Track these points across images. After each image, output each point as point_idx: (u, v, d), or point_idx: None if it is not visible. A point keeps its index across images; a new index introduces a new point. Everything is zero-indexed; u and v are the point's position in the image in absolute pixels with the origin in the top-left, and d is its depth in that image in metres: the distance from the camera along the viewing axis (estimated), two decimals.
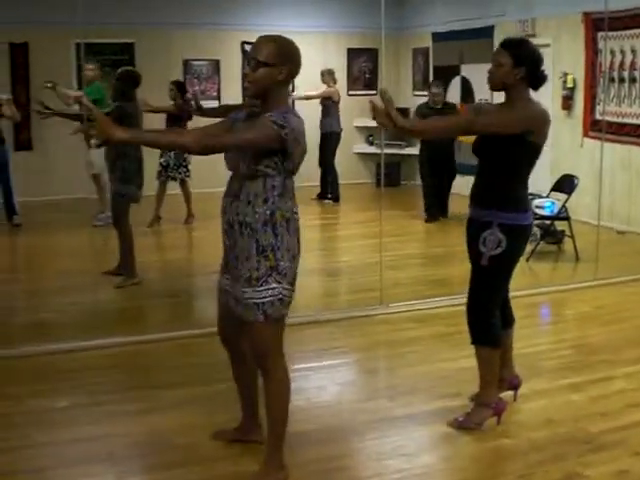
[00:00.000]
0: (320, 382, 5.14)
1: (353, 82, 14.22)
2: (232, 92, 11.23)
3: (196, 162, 10.30)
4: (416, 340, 5.90)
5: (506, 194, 4.19)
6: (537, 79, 4.20)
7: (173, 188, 10.37)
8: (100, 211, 9.70)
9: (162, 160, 10.10)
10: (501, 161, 4.17)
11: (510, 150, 4.11)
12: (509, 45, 4.20)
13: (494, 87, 4.23)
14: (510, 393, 4.61)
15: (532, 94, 4.25)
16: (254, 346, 3.72)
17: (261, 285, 3.56)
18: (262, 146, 3.49)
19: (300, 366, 5.32)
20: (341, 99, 12.46)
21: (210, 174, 10.06)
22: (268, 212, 3.55)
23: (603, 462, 3.98)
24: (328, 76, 12.23)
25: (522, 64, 4.13)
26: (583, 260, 8.04)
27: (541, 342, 5.33)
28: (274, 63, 3.55)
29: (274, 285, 3.56)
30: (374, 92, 13.81)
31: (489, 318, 4.32)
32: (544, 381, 4.87)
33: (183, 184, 10.38)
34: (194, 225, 10.34)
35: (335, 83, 12.31)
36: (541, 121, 4.18)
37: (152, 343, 5.80)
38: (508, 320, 4.53)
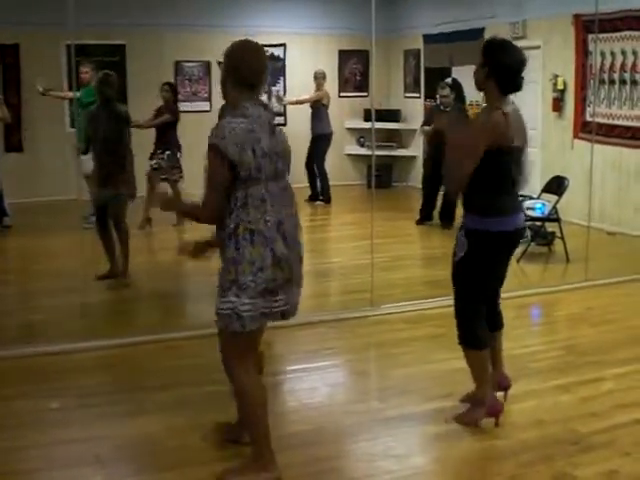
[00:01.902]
0: (312, 383, 5.14)
1: (344, 84, 14.24)
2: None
3: (187, 164, 10.32)
4: (407, 341, 5.90)
5: (472, 199, 4.24)
6: (505, 83, 4.16)
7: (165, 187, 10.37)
8: (91, 213, 9.68)
9: (153, 162, 10.07)
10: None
11: (488, 155, 4.14)
12: (483, 45, 4.28)
13: (476, 86, 4.30)
14: (500, 394, 4.60)
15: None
16: (220, 351, 3.80)
17: (223, 297, 3.61)
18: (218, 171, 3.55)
19: (292, 367, 5.34)
20: (332, 101, 12.47)
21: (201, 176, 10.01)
22: (232, 225, 3.56)
23: (592, 462, 3.99)
24: (320, 78, 12.23)
25: (485, 65, 4.18)
26: (573, 261, 8.06)
27: (531, 343, 5.34)
28: (224, 68, 3.73)
29: (232, 299, 3.56)
30: (365, 94, 13.87)
31: (469, 321, 4.35)
32: (534, 382, 4.88)
33: (175, 185, 10.37)
34: (184, 227, 10.32)
35: (323, 85, 12.32)
36: (496, 132, 4.10)
37: (141, 345, 5.79)
38: (496, 323, 4.54)
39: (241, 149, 3.49)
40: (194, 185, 10.47)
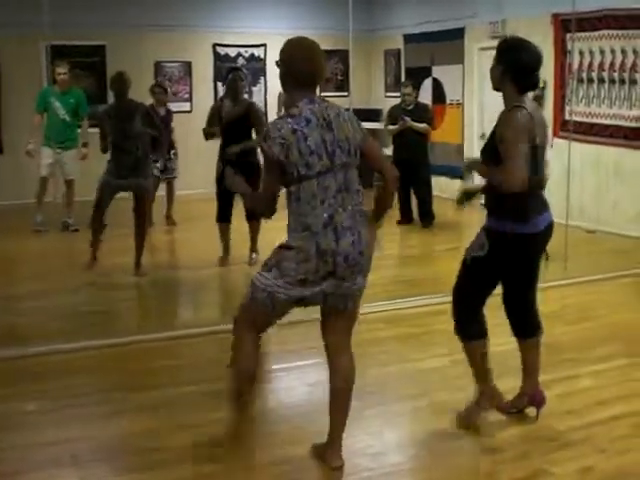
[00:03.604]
0: (291, 383, 5.15)
1: (325, 84, 14.22)
2: (204, 94, 11.27)
3: (182, 165, 10.39)
4: (385, 340, 5.93)
5: (497, 200, 4.17)
6: (521, 81, 4.12)
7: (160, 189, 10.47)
8: (68, 217, 9.72)
9: (159, 164, 10.10)
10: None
11: (497, 157, 4.10)
12: (498, 44, 4.25)
13: (492, 86, 4.27)
14: (532, 409, 4.51)
15: None
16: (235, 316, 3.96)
17: (264, 272, 3.76)
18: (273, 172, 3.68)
19: (272, 367, 5.35)
20: None
21: (191, 177, 10.11)
22: (289, 216, 3.74)
23: (569, 459, 4.03)
24: None
25: (500, 63, 4.17)
26: (552, 259, 8.05)
27: (509, 341, 5.31)
28: (280, 68, 3.83)
29: (271, 278, 3.70)
30: (346, 94, 13.85)
31: (460, 313, 4.34)
32: (511, 379, 4.89)
33: (173, 184, 10.42)
34: (176, 227, 10.38)
35: None
36: (526, 128, 4.05)
37: (120, 347, 5.79)
38: (525, 330, 4.49)
39: (287, 149, 3.59)
40: (183, 184, 10.64)
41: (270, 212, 3.85)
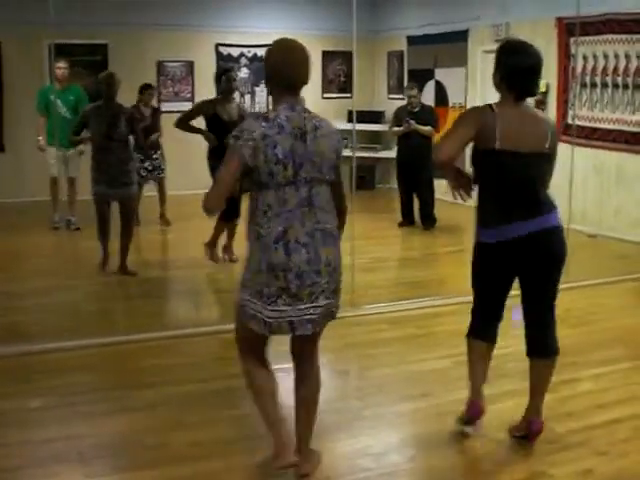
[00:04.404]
0: (291, 383, 5.12)
1: (328, 85, 14.25)
2: (206, 94, 11.14)
3: (169, 164, 10.36)
4: (387, 342, 5.93)
5: (478, 205, 4.14)
6: (512, 86, 3.99)
7: (152, 189, 10.50)
8: (71, 215, 9.71)
9: (147, 164, 10.13)
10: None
11: (474, 160, 4.09)
12: (497, 47, 4.15)
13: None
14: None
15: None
16: None
17: (239, 288, 3.69)
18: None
19: (273, 367, 5.34)
20: (316, 102, 12.44)
21: (191, 177, 10.11)
22: (248, 226, 3.64)
23: (568, 461, 4.04)
24: None
25: (496, 67, 4.07)
26: None
27: (510, 344, 5.32)
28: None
29: (240, 292, 3.65)
30: (349, 95, 13.87)
31: (473, 311, 4.35)
32: (512, 382, 4.91)
33: (163, 184, 10.43)
34: (170, 227, 10.37)
35: None
36: (474, 119, 3.99)
37: (123, 345, 5.80)
38: (535, 348, 4.28)
39: (255, 153, 3.45)
40: (175, 185, 10.63)
41: (218, 207, 3.64)
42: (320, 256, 3.55)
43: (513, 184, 3.98)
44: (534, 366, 4.27)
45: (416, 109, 10.50)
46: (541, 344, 4.25)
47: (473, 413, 4.29)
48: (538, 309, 4.25)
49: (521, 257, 4.07)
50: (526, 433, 4.24)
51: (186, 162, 11.25)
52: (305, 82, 3.68)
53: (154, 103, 10.64)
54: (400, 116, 10.57)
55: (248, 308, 3.60)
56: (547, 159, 4.07)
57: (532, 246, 4.03)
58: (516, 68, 3.98)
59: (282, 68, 3.60)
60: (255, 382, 3.82)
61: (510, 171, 3.97)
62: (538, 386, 4.26)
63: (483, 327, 4.32)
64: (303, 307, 3.56)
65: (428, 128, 10.30)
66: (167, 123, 10.53)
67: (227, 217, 7.93)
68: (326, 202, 3.64)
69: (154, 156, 10.19)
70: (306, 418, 3.90)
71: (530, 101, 4.18)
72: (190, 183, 10.87)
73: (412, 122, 10.27)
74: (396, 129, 10.61)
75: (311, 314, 3.59)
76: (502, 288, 4.25)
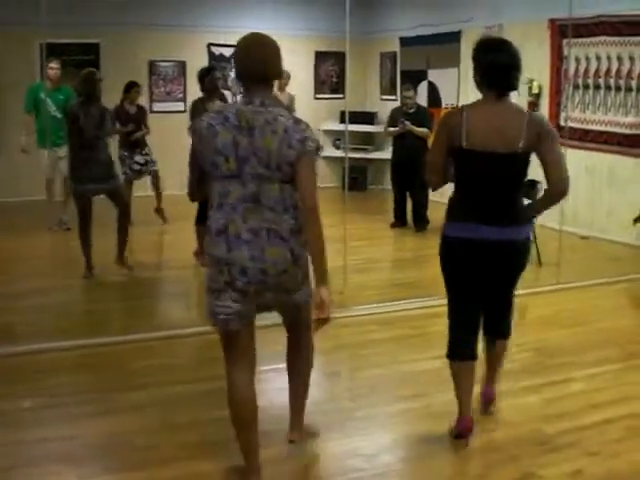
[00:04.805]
0: (282, 384, 5.11)
1: (320, 85, 14.26)
2: (198, 94, 11.16)
3: (162, 164, 10.34)
4: (379, 342, 5.93)
5: (449, 203, 4.18)
6: (491, 83, 4.00)
7: (145, 190, 10.51)
8: (64, 214, 9.68)
9: (139, 158, 10.17)
10: None
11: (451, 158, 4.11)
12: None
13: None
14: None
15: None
16: None
17: None
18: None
19: (263, 368, 5.31)
20: (308, 102, 12.43)
21: (179, 176, 10.06)
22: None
23: (558, 462, 4.04)
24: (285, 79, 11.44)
25: (475, 67, 4.09)
26: (546, 265, 8.10)
27: None
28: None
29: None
30: (341, 96, 13.87)
31: (449, 327, 4.28)
32: (503, 383, 4.90)
33: (158, 178, 10.42)
34: (163, 227, 10.36)
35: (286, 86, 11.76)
36: (448, 125, 4.01)
37: (114, 345, 5.79)
38: (495, 330, 4.42)
39: (199, 142, 3.52)
40: (170, 184, 10.61)
41: (191, 195, 3.85)
42: (265, 255, 3.49)
43: (480, 183, 4.00)
44: (493, 345, 4.47)
45: (412, 110, 10.50)
46: (500, 329, 4.44)
47: (464, 428, 4.25)
48: (498, 305, 4.36)
49: (485, 259, 4.06)
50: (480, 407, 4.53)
51: (180, 161, 11.18)
52: (275, 76, 3.62)
53: (141, 101, 10.56)
54: (395, 117, 10.56)
55: (208, 305, 3.62)
56: (521, 159, 3.98)
57: (498, 254, 4.04)
58: (493, 65, 3.99)
59: (250, 62, 3.55)
60: (232, 402, 3.72)
61: (477, 170, 3.98)
62: (498, 360, 4.53)
63: (464, 345, 4.22)
64: (252, 302, 3.57)
65: (423, 130, 10.30)
66: (159, 122, 10.58)
67: (201, 220, 7.99)
68: (276, 201, 3.52)
69: (142, 152, 10.17)
70: (302, 391, 4.11)
71: (515, 99, 4.17)
72: (185, 183, 10.85)
73: (407, 123, 10.26)
74: (391, 130, 10.61)
75: (260, 305, 3.64)
76: (474, 288, 4.18)
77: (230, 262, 3.47)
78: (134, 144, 10.09)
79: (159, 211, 10.47)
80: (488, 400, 4.59)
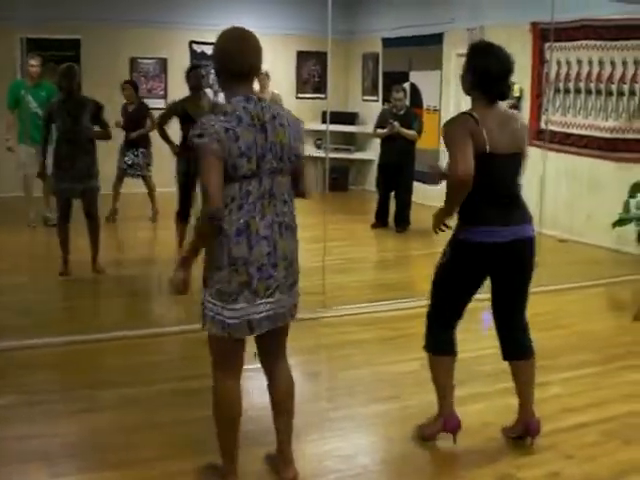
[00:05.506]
0: (261, 384, 5.09)
1: (302, 85, 14.25)
2: (179, 91, 11.13)
3: (156, 162, 10.33)
4: (358, 343, 5.93)
5: (463, 205, 4.04)
6: (487, 89, 3.96)
7: (139, 187, 10.54)
8: (48, 211, 9.63)
9: (127, 159, 10.19)
10: None
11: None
12: (467, 49, 4.12)
13: (464, 91, 4.12)
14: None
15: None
16: None
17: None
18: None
19: (244, 367, 5.33)
20: (290, 102, 12.39)
21: (168, 175, 10.03)
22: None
23: (535, 465, 4.05)
24: (264, 79, 11.33)
25: (467, 71, 4.04)
26: None
27: (479, 347, 5.36)
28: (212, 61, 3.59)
29: (205, 294, 3.55)
30: (323, 96, 13.86)
31: (431, 324, 4.27)
32: (481, 385, 4.92)
33: (150, 181, 10.40)
34: (155, 224, 10.35)
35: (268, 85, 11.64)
36: (464, 128, 3.91)
37: (93, 343, 5.76)
38: (515, 351, 4.29)
39: (222, 147, 3.32)
40: (164, 182, 10.56)
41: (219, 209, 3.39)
42: (277, 249, 3.53)
43: (503, 185, 4.03)
44: (518, 368, 4.29)
45: (401, 112, 10.51)
46: (520, 347, 4.29)
47: (453, 427, 4.24)
48: (513, 314, 4.30)
49: (497, 261, 4.08)
50: (523, 434, 4.25)
51: (173, 159, 11.19)
52: (257, 72, 3.55)
53: (134, 99, 10.51)
54: (384, 118, 10.56)
55: (207, 310, 3.53)
56: (520, 159, 4.13)
57: (510, 253, 4.05)
58: (489, 71, 3.95)
59: (235, 57, 3.45)
60: (219, 407, 3.67)
61: (500, 172, 3.99)
62: (526, 387, 4.26)
63: (445, 339, 4.24)
64: (259, 302, 3.50)
65: (412, 132, 10.31)
66: None
67: (183, 218, 8.00)
68: (286, 193, 3.58)
69: (135, 153, 10.15)
70: (286, 421, 3.87)
71: (504, 104, 4.19)
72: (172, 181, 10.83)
73: (396, 124, 10.27)
74: (380, 131, 10.60)
75: (267, 310, 3.54)
76: (472, 291, 4.23)
77: (249, 261, 3.43)
78: (130, 142, 10.11)
79: (153, 214, 10.51)
80: (535, 433, 4.27)
